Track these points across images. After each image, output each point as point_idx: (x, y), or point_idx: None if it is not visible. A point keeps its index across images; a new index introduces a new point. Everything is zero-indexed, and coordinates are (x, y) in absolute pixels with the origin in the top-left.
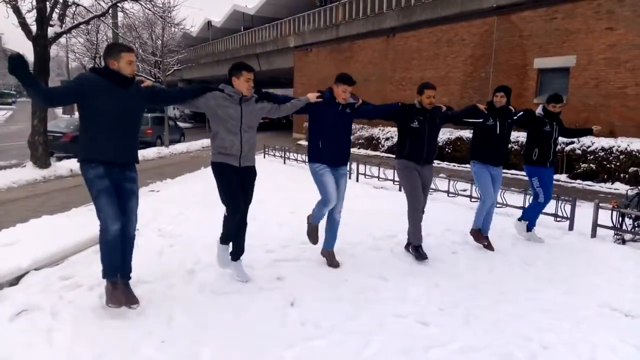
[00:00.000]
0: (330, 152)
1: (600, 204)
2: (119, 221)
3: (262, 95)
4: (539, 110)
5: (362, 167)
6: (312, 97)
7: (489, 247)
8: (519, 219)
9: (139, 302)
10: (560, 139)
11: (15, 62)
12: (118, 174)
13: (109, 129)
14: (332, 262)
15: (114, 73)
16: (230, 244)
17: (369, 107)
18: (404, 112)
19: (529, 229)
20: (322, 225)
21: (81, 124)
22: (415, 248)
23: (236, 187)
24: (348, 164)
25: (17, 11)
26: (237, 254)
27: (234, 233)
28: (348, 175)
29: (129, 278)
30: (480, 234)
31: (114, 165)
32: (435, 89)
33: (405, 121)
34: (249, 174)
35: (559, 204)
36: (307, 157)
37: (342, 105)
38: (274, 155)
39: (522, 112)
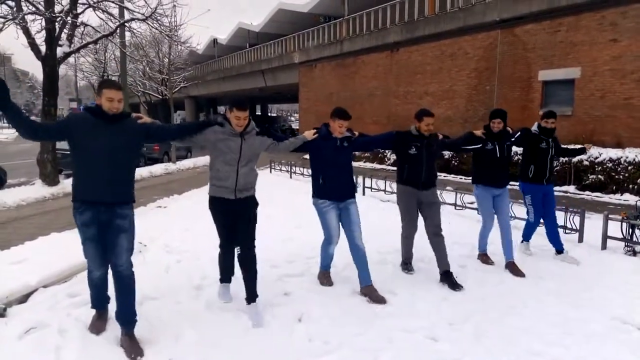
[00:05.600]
0: (332, 188)
1: (609, 216)
2: (103, 267)
3: (263, 130)
4: (534, 127)
5: (368, 181)
6: (309, 135)
7: (517, 273)
8: (522, 242)
9: (143, 353)
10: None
11: None
12: (107, 213)
13: (96, 167)
14: (376, 298)
15: (99, 109)
16: (231, 283)
17: (365, 139)
18: (400, 140)
19: (559, 251)
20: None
21: (72, 164)
22: (404, 262)
23: (227, 227)
24: (355, 194)
25: (26, 32)
26: (249, 297)
27: (243, 271)
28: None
29: (132, 326)
30: (486, 257)
31: (101, 204)
32: (434, 117)
33: (403, 148)
34: (247, 205)
35: (568, 216)
36: (312, 193)
37: (339, 139)
38: (280, 170)
39: (518, 132)
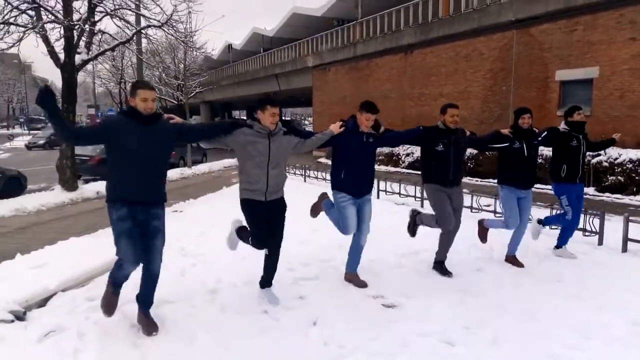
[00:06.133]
0: (353, 182)
1: (630, 218)
2: (135, 264)
3: (290, 129)
4: (562, 126)
5: (382, 184)
6: (336, 128)
7: (516, 264)
8: (538, 222)
9: (157, 329)
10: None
11: (44, 95)
12: (143, 212)
13: (132, 167)
14: (359, 283)
15: (133, 111)
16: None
17: (392, 134)
18: (427, 136)
19: (559, 246)
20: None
21: (108, 165)
22: (440, 263)
23: (261, 224)
24: (372, 190)
25: (46, 40)
26: (264, 284)
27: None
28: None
29: (149, 307)
30: (485, 232)
31: (138, 204)
32: (458, 108)
33: (430, 145)
34: (277, 207)
35: (587, 218)
36: (330, 185)
37: (366, 134)
38: (295, 174)
39: (546, 132)
